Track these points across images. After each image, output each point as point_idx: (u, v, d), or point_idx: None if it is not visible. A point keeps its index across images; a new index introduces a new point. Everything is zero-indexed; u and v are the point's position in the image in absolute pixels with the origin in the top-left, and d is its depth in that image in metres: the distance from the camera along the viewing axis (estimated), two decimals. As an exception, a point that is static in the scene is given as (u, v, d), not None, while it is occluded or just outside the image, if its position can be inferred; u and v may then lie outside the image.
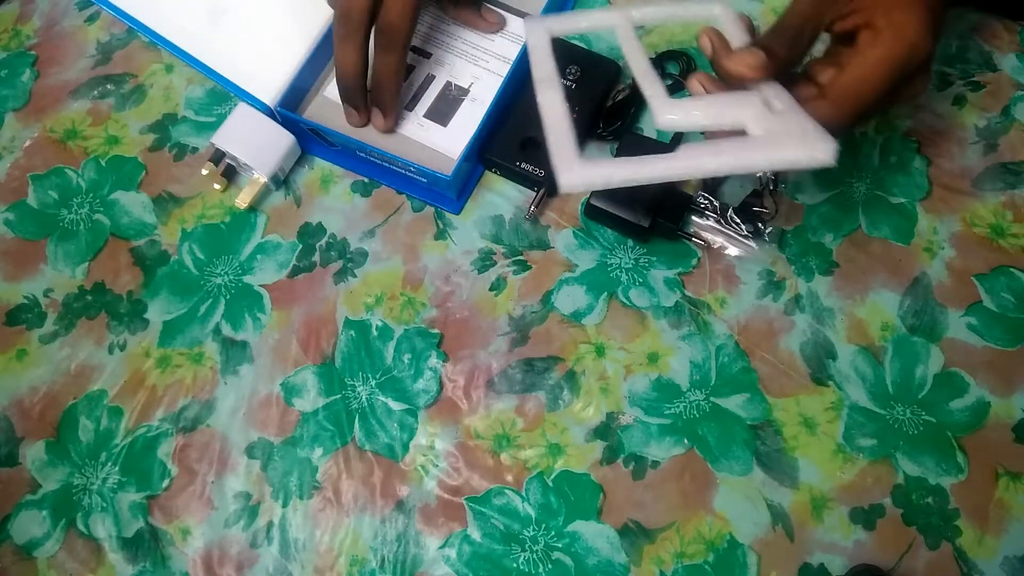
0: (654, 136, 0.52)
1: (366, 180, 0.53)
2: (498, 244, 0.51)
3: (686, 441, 0.46)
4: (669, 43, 0.56)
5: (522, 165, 0.50)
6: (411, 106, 0.53)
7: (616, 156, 0.50)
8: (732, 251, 0.50)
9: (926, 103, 0.54)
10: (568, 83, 0.52)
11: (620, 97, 0.53)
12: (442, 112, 0.53)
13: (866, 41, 0.37)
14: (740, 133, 0.37)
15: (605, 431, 0.47)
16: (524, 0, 0.57)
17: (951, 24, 0.56)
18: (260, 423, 0.47)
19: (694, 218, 0.50)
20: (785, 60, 0.38)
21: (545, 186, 0.50)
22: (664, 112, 0.38)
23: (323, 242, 0.52)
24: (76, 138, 0.55)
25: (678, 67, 0.54)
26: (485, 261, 0.51)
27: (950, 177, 0.52)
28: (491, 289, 0.50)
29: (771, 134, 0.36)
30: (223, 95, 0.56)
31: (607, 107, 0.53)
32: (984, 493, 0.45)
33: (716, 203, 0.50)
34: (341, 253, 0.51)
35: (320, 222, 0.52)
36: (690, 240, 0.50)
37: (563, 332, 0.49)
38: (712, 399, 0.47)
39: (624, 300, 0.49)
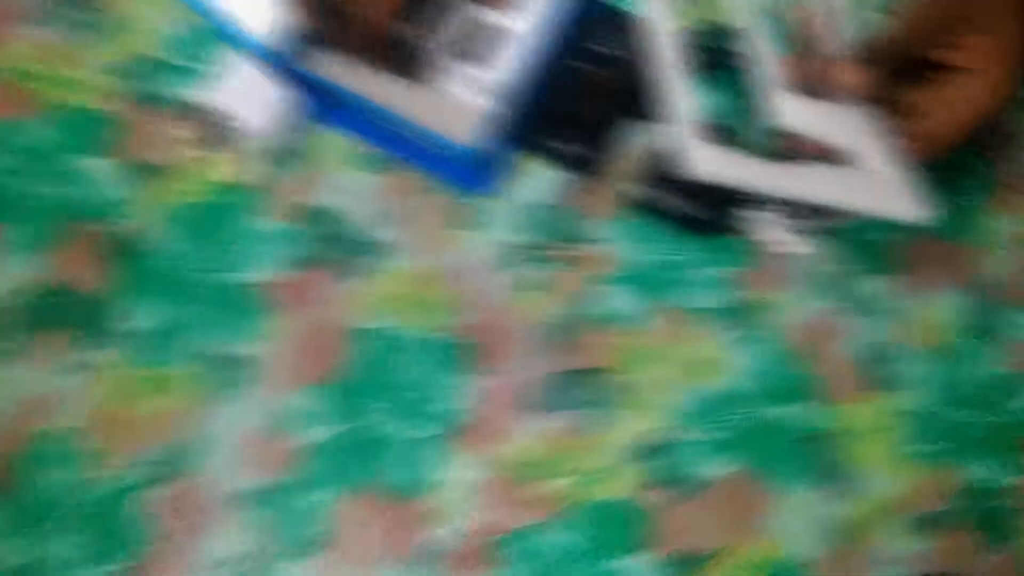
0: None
1: (381, 155, 0.45)
2: (537, 236, 0.45)
3: (738, 456, 0.43)
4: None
5: (563, 145, 0.45)
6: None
7: None
8: (792, 248, 0.46)
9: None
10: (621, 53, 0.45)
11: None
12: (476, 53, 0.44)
13: (964, 83, 0.38)
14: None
15: (649, 450, 0.43)
16: None
17: None
18: (256, 462, 0.41)
19: (752, 212, 0.46)
20: (887, 81, 0.39)
21: (594, 169, 0.45)
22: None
23: (330, 231, 0.44)
24: (26, 80, 0.45)
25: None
26: (521, 256, 0.45)
27: (1013, 177, 0.50)
28: (527, 289, 0.44)
29: (874, 180, 0.38)
30: (213, 36, 0.46)
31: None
32: (1048, 494, 0.44)
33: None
34: (352, 245, 0.44)
35: (327, 206, 0.44)
36: (747, 236, 0.45)
37: (606, 339, 0.44)
38: (767, 408, 0.44)
39: (674, 302, 0.45)
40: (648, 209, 0.45)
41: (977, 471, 0.44)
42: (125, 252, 0.43)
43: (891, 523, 0.43)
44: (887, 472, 0.43)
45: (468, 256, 0.45)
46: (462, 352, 0.43)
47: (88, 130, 0.45)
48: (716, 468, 0.43)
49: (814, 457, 0.43)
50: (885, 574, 0.42)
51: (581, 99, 0.37)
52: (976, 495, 0.43)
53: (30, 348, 0.42)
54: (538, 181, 0.46)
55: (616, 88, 0.44)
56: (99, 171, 0.44)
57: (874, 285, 0.46)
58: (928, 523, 0.43)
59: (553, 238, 0.46)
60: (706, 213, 0.44)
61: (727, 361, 0.44)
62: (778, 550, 0.42)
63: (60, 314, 0.42)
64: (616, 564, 0.41)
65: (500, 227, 0.45)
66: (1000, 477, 0.44)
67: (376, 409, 0.42)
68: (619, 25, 0.47)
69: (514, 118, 0.44)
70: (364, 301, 0.44)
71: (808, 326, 0.45)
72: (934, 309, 0.46)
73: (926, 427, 0.44)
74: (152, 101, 0.45)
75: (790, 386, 0.44)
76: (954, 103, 0.39)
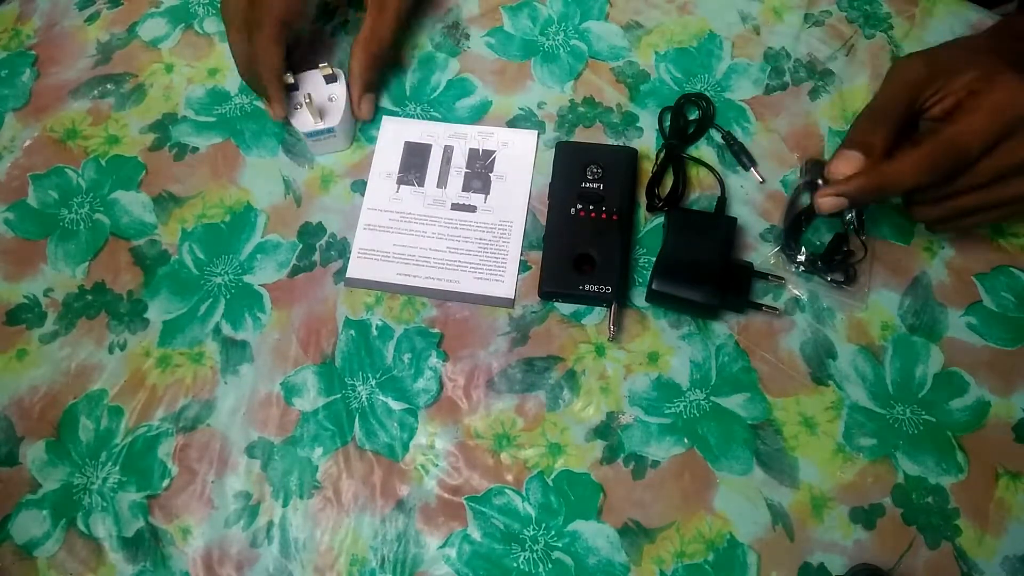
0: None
1: (365, 179, 0.53)
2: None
3: (686, 440, 0.46)
4: (668, 42, 0.56)
5: (586, 287, 0.47)
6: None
7: (664, 230, 0.49)
8: (824, 302, 0.49)
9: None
10: (593, 183, 0.49)
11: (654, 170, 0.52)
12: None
13: (970, 104, 0.39)
14: None
15: (605, 431, 0.47)
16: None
17: (951, 23, 0.56)
18: (260, 423, 0.47)
19: (771, 276, 0.49)
20: (882, 149, 0.40)
21: (615, 301, 0.47)
22: None
23: (323, 241, 0.52)
24: (76, 138, 0.55)
25: (697, 111, 0.54)
26: (485, 261, 0.51)
27: None
28: (491, 289, 0.50)
29: None
30: (223, 94, 0.56)
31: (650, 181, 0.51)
32: (984, 493, 0.45)
33: (801, 255, 0.48)
34: (341, 252, 0.51)
35: (320, 221, 0.52)
36: (761, 308, 0.48)
37: (563, 332, 0.49)
38: (712, 399, 0.47)
39: (624, 299, 0.49)
40: (662, 301, 0.48)
41: (914, 468, 0.45)
42: (154, 260, 0.52)
43: (830, 513, 0.44)
44: (825, 464, 0.45)
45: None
46: (434, 341, 0.49)
47: (125, 171, 0.54)
48: (664, 450, 0.46)
49: (757, 445, 0.46)
50: (824, 560, 0.43)
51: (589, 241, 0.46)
52: (912, 491, 0.45)
53: (78, 331, 0.50)
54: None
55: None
56: (133, 201, 0.53)
57: (813, 284, 0.49)
58: (864, 516, 0.44)
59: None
60: (716, 298, 0.46)
61: (674, 355, 0.48)
62: (728, 527, 0.44)
63: (101, 306, 0.51)
64: (575, 527, 0.44)
65: None
66: (936, 475, 0.45)
67: (361, 385, 0.48)
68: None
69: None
70: (352, 298, 0.50)
71: (750, 323, 0.48)
72: (873, 308, 0.48)
73: (864, 423, 0.46)
74: (177, 147, 0.55)
75: (734, 379, 0.47)
76: (969, 112, 0.39)
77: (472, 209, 0.49)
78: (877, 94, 0.42)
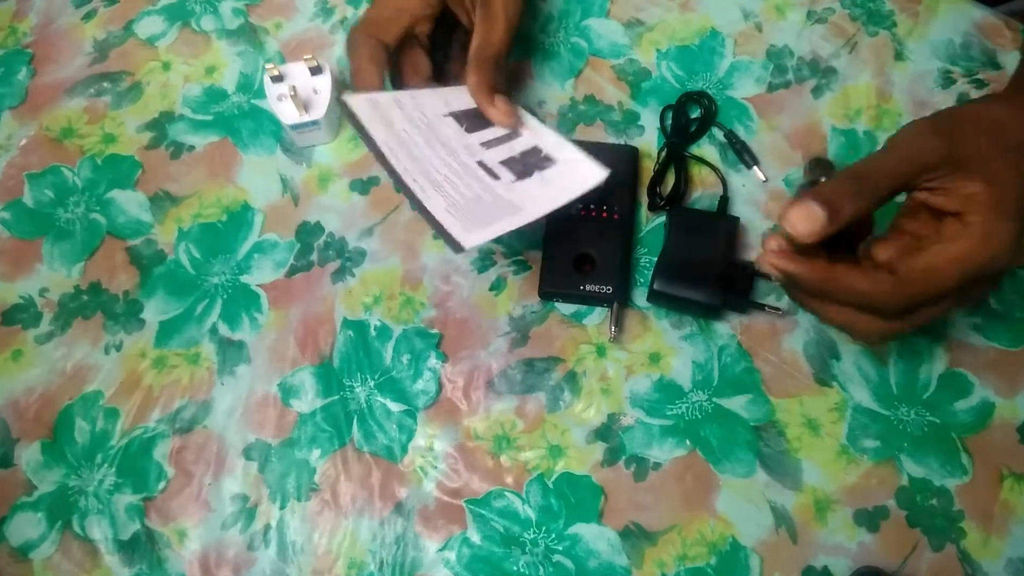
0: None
1: (364, 179, 0.53)
2: (498, 243, 0.51)
3: (688, 442, 0.46)
4: (670, 40, 0.56)
5: (586, 287, 0.47)
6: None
7: (666, 230, 0.48)
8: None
9: (927, 100, 0.53)
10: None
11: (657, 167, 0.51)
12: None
13: (952, 233, 0.34)
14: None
15: (606, 432, 0.46)
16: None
17: (954, 20, 0.55)
18: (257, 424, 0.47)
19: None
20: (849, 220, 0.33)
21: (616, 301, 0.47)
22: None
23: (321, 241, 0.51)
24: (72, 136, 0.55)
25: (699, 109, 0.53)
26: (485, 261, 0.50)
27: None
28: (491, 289, 0.50)
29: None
30: (221, 93, 0.56)
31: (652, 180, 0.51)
32: (988, 494, 0.44)
33: None
34: (339, 252, 0.51)
35: (318, 221, 0.52)
36: (764, 308, 0.47)
37: (564, 332, 0.48)
38: (714, 400, 0.46)
39: (626, 299, 0.49)
40: (664, 302, 0.47)
41: (918, 470, 0.45)
42: (150, 260, 0.51)
43: (833, 515, 0.44)
44: (829, 466, 0.45)
45: (439, 261, 0.50)
46: (434, 341, 0.48)
47: (121, 170, 0.54)
48: (665, 452, 0.45)
49: (759, 447, 0.45)
50: (827, 563, 0.43)
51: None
52: (917, 493, 0.44)
53: (74, 331, 0.50)
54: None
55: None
56: (130, 200, 0.53)
57: None
58: (868, 518, 0.44)
59: (515, 245, 0.50)
60: (719, 297, 0.46)
61: (676, 355, 0.47)
62: (731, 529, 0.44)
63: (97, 306, 0.50)
64: (575, 530, 0.44)
65: None
66: (941, 477, 0.45)
67: (359, 386, 0.48)
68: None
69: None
70: (350, 299, 0.50)
71: (753, 323, 0.48)
72: None
73: (867, 424, 0.46)
74: (173, 146, 0.54)
75: (736, 380, 0.47)
76: (944, 248, 0.33)
77: (495, 176, 0.45)
78: (877, 156, 0.35)
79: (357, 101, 0.44)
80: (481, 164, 0.45)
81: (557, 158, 0.46)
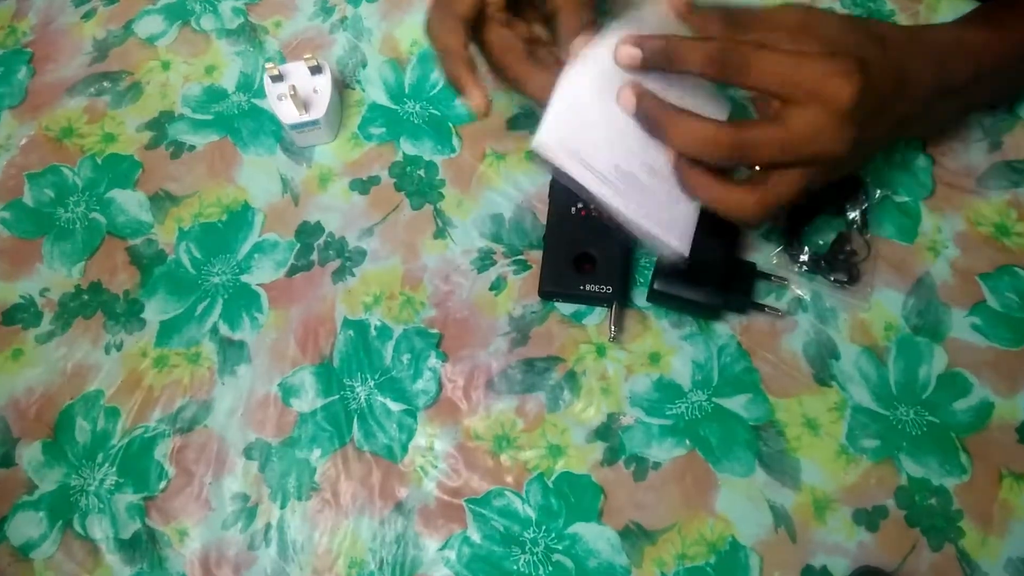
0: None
1: (364, 178, 0.53)
2: (498, 243, 0.51)
3: (688, 442, 0.46)
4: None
5: (586, 287, 0.47)
6: None
7: None
8: (827, 302, 0.48)
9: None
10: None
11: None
12: None
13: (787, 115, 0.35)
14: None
15: (606, 432, 0.46)
16: None
17: (950, 19, 0.55)
18: (258, 424, 0.47)
19: (773, 276, 0.48)
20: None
21: (616, 301, 0.47)
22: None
23: (321, 241, 0.51)
24: (72, 136, 0.55)
25: None
26: (485, 260, 0.50)
27: (954, 175, 0.51)
28: (491, 289, 0.50)
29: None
30: (221, 92, 0.56)
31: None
32: (988, 494, 0.44)
33: (804, 254, 0.48)
34: (339, 252, 0.51)
35: (318, 220, 0.52)
36: (764, 309, 0.47)
37: (563, 332, 0.48)
38: (714, 400, 0.47)
39: (626, 299, 0.49)
40: (664, 302, 0.48)
41: (917, 469, 0.45)
42: (151, 260, 0.51)
43: (832, 515, 0.44)
44: (828, 465, 0.45)
45: (439, 260, 0.50)
46: (434, 341, 0.48)
47: (121, 170, 0.54)
48: (665, 451, 0.45)
49: (759, 446, 0.45)
50: (827, 563, 0.43)
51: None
52: (916, 493, 0.44)
53: (74, 331, 0.50)
54: (501, 196, 0.52)
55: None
56: (130, 200, 0.53)
57: (816, 284, 0.48)
58: (867, 517, 0.44)
59: (515, 244, 0.51)
60: (719, 298, 0.46)
61: (676, 355, 0.47)
62: (730, 529, 0.44)
63: (97, 306, 0.50)
64: (575, 529, 0.44)
65: (468, 236, 0.51)
66: (940, 477, 0.45)
67: (359, 385, 0.48)
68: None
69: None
70: (350, 298, 0.50)
71: (752, 323, 0.48)
72: (876, 308, 0.48)
73: (867, 424, 0.46)
74: (173, 145, 0.54)
75: (736, 380, 0.47)
76: (785, 173, 0.37)
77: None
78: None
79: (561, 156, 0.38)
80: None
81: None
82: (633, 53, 0.37)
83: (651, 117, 0.37)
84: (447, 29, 0.42)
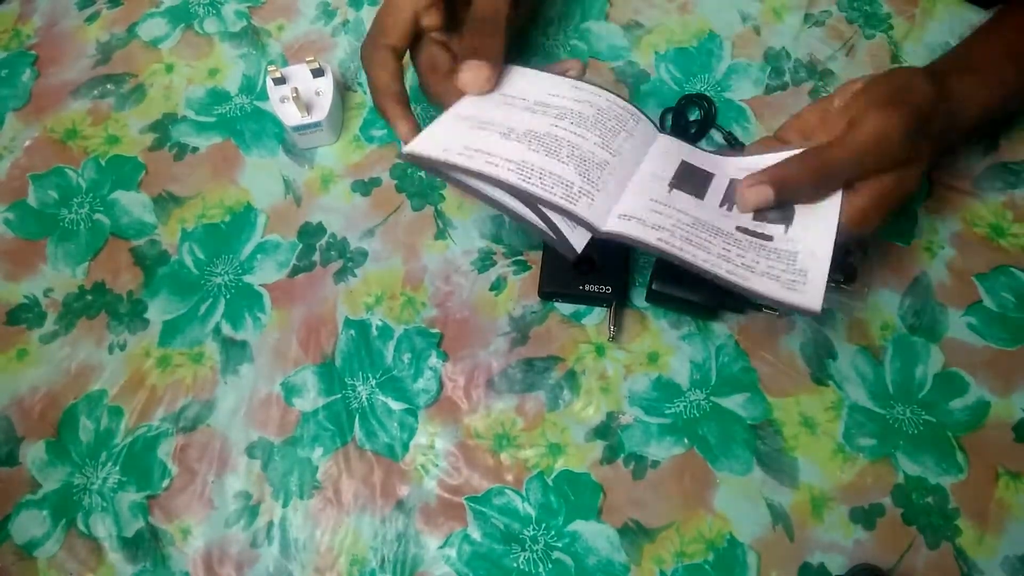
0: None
1: (366, 180, 0.53)
2: (498, 244, 0.51)
3: (686, 441, 0.46)
4: (668, 42, 0.56)
5: (586, 287, 0.47)
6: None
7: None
8: (824, 303, 0.46)
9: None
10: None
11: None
12: None
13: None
14: None
15: (605, 431, 0.47)
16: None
17: (951, 23, 0.56)
18: (260, 423, 0.47)
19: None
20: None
21: (615, 301, 0.47)
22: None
23: (323, 242, 0.52)
24: (76, 138, 0.55)
25: (699, 111, 0.54)
26: (485, 261, 0.51)
27: (950, 177, 0.52)
28: (491, 289, 0.50)
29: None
30: (223, 94, 0.56)
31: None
32: (984, 492, 0.45)
33: None
34: (341, 253, 0.51)
35: (320, 222, 0.52)
36: (761, 311, 0.47)
37: (563, 332, 0.49)
38: (712, 399, 0.47)
39: (625, 299, 0.49)
40: (662, 302, 0.48)
41: (914, 468, 0.45)
42: (154, 260, 0.52)
43: (830, 513, 0.44)
44: (825, 464, 0.45)
45: (440, 261, 0.51)
46: (434, 341, 0.49)
47: (125, 171, 0.54)
48: (664, 450, 0.46)
49: (757, 445, 0.46)
50: (824, 560, 0.43)
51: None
52: (912, 491, 0.45)
53: (78, 331, 0.50)
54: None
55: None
56: (133, 201, 0.53)
57: None
58: (864, 516, 0.44)
59: (515, 245, 0.51)
60: (715, 299, 0.46)
61: (674, 355, 0.48)
62: (728, 527, 0.44)
63: (101, 306, 0.51)
64: (575, 527, 0.44)
65: (468, 236, 0.51)
66: (936, 475, 0.45)
67: (361, 385, 0.48)
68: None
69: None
70: (352, 298, 0.50)
71: (750, 323, 0.48)
72: (873, 308, 0.48)
73: (864, 423, 0.46)
74: (176, 147, 0.55)
75: (734, 379, 0.47)
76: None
77: (767, 237, 0.42)
78: (838, 151, 0.41)
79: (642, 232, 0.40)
80: (742, 230, 0.42)
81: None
82: (768, 193, 0.40)
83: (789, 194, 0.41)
84: (378, 64, 0.45)
